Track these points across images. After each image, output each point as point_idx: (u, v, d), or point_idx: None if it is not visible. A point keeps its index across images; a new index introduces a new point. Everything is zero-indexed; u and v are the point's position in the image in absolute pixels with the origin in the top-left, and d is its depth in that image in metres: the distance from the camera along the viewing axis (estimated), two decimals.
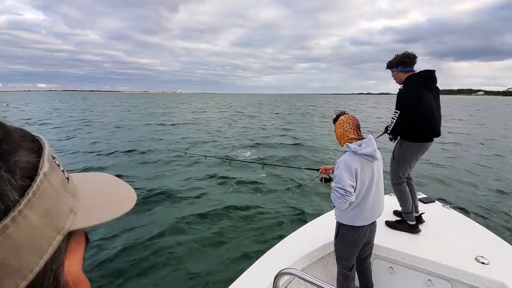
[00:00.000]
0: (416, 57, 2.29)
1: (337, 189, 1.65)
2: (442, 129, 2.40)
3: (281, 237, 2.25)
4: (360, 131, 1.80)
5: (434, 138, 2.40)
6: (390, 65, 2.38)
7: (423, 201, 2.87)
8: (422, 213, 2.49)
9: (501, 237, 2.30)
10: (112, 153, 8.94)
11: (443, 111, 2.46)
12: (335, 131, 1.87)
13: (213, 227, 4.07)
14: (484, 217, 4.62)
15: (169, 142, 11.13)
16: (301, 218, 4.22)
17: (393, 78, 2.43)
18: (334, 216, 1.87)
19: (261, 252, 2.03)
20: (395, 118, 2.29)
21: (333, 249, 2.00)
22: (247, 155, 9.11)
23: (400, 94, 2.30)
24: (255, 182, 6.05)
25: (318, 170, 2.09)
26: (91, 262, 3.23)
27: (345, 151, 1.72)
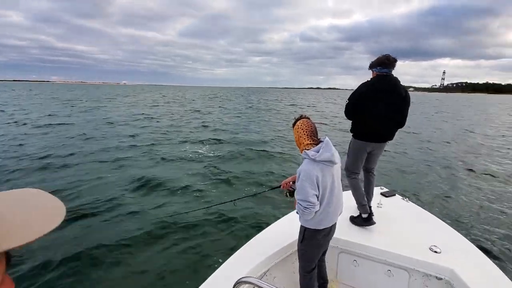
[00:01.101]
0: (396, 60, 2.38)
1: (301, 201, 1.66)
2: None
3: (241, 243, 2.24)
4: (316, 135, 1.78)
5: (388, 141, 2.55)
6: (371, 65, 2.47)
7: (385, 194, 3.01)
8: (374, 206, 2.62)
9: (453, 227, 2.48)
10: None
11: None
12: (294, 136, 1.86)
13: (163, 241, 3.79)
14: (439, 208, 4.96)
15: (108, 140, 10.06)
16: (261, 223, 4.11)
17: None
18: (299, 221, 1.87)
19: (221, 261, 2.00)
20: (346, 102, 2.49)
21: (295, 249, 2.05)
22: (202, 152, 8.89)
23: (358, 87, 2.45)
24: (204, 190, 5.72)
25: (279, 186, 2.08)
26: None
27: (304, 158, 1.71)
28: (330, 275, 2.30)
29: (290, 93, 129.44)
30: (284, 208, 4.45)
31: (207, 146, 9.80)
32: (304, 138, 1.76)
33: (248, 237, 2.29)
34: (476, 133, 14.62)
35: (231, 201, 2.66)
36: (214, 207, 4.10)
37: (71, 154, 7.98)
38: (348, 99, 2.47)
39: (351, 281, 2.34)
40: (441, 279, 1.95)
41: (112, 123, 14.65)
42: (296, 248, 2.02)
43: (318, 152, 1.66)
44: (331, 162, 1.68)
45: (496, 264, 1.98)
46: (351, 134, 2.59)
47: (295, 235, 2.02)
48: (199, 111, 23.46)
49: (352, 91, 2.50)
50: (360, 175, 2.63)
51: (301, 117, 1.84)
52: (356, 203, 2.53)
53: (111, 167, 6.97)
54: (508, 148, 10.72)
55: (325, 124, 16.64)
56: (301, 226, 1.86)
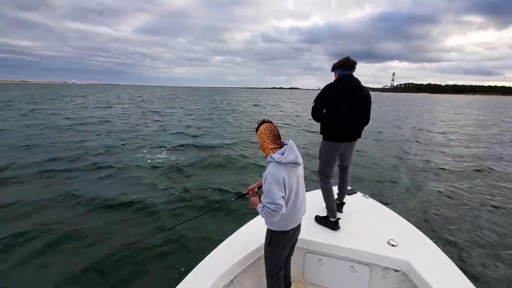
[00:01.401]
0: (356, 63, 2.46)
1: (268, 204, 1.67)
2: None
3: (208, 250, 2.15)
4: (279, 139, 1.81)
5: (357, 140, 2.65)
6: (333, 68, 2.53)
7: (347, 192, 3.05)
8: (342, 202, 2.76)
9: (408, 221, 2.62)
10: None
11: None
12: (258, 140, 1.87)
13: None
14: (396, 203, 5.24)
15: (49, 149, 8.77)
16: (227, 233, 3.88)
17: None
18: (266, 225, 1.88)
19: (187, 272, 1.91)
20: (312, 105, 2.57)
21: (261, 253, 2.09)
22: (161, 157, 8.21)
23: (322, 89, 2.53)
24: (162, 205, 5.18)
25: (246, 194, 2.04)
26: None
27: (270, 162, 1.74)
28: (297, 275, 2.42)
29: (254, 93, 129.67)
30: (252, 215, 4.27)
31: (166, 152, 9.04)
32: (268, 143, 1.78)
33: (215, 247, 2.21)
34: (428, 130, 15.72)
35: (197, 216, 2.58)
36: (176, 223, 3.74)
37: (2, 169, 6.66)
38: (314, 101, 2.54)
39: (317, 280, 2.40)
40: (398, 271, 2.06)
41: (56, 128, 12.98)
42: (262, 252, 2.07)
43: (283, 155, 1.70)
44: (296, 164, 1.73)
45: (446, 253, 2.12)
46: (321, 136, 2.63)
47: (261, 239, 2.05)
48: (158, 112, 22.11)
49: (317, 93, 2.56)
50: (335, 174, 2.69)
51: (263, 122, 1.85)
52: (326, 207, 2.58)
53: (49, 182, 5.93)
54: (460, 143, 11.58)
55: (288, 124, 16.63)
56: (268, 230, 1.88)
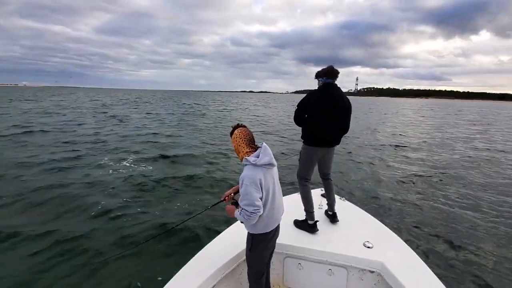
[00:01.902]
0: (339, 72, 2.56)
1: (246, 207, 1.68)
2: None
3: (185, 261, 2.10)
4: (253, 143, 1.85)
5: (335, 146, 2.70)
6: (317, 75, 2.59)
7: (324, 195, 3.08)
8: (335, 213, 2.74)
9: (383, 223, 2.72)
10: None
11: None
12: (232, 145, 1.88)
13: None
14: (371, 206, 5.32)
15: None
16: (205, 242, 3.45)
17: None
18: (246, 229, 1.88)
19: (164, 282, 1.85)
20: (295, 109, 2.60)
21: (241, 259, 2.15)
22: (127, 167, 7.52)
23: (306, 95, 2.59)
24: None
25: (222, 200, 2.05)
26: None
27: (245, 165, 1.77)
28: (276, 280, 2.42)
29: (224, 96, 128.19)
30: (228, 223, 4.00)
31: (127, 163, 7.99)
32: (243, 147, 1.82)
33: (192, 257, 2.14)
34: (391, 133, 16.19)
35: (172, 228, 2.47)
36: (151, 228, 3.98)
37: None
38: (297, 106, 2.58)
39: (296, 284, 2.41)
40: (373, 272, 2.12)
41: None
42: (242, 259, 2.13)
43: (258, 157, 1.75)
44: (271, 165, 1.79)
45: (417, 253, 2.21)
46: (302, 140, 2.68)
47: (239, 246, 2.12)
48: (115, 117, 20.32)
49: (301, 99, 2.59)
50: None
51: (237, 126, 1.87)
52: (305, 209, 2.61)
53: None
54: (429, 147, 11.89)
55: (264, 131, 16.12)
56: (249, 234, 1.89)
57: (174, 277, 1.91)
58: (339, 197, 3.23)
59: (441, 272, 3.30)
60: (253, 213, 1.68)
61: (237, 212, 1.78)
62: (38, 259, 3.42)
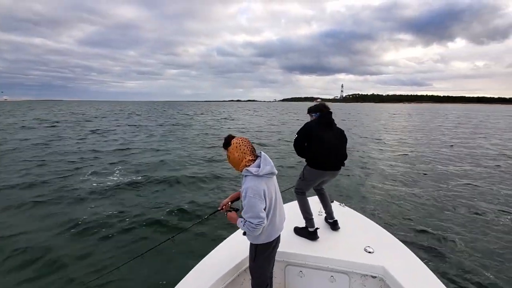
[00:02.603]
0: (330, 108, 2.69)
1: (251, 219, 1.66)
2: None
3: (183, 273, 2.04)
4: (255, 151, 1.81)
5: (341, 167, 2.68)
6: (310, 111, 2.73)
7: None
8: (335, 220, 2.72)
9: (383, 228, 2.68)
10: None
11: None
12: (228, 156, 1.80)
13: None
14: (371, 211, 5.28)
15: None
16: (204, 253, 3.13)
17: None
18: (248, 240, 1.86)
19: None
20: (295, 137, 2.65)
21: (241, 269, 2.15)
22: (114, 178, 7.27)
23: (305, 124, 2.63)
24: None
25: (219, 210, 2.01)
26: None
27: (246, 176, 1.72)
28: None
29: (212, 106, 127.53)
30: (227, 231, 4.03)
31: (117, 175, 7.35)
32: (248, 154, 1.76)
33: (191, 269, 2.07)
34: (385, 139, 15.97)
35: (168, 239, 2.38)
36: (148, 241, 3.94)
37: None
38: (297, 133, 2.64)
39: None
40: (375, 277, 2.10)
41: None
42: (243, 268, 2.16)
43: (259, 167, 1.71)
44: (272, 174, 1.75)
45: (419, 257, 2.20)
46: (306, 163, 2.66)
47: (239, 255, 2.15)
48: (96, 131, 19.07)
49: (301, 129, 2.63)
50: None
51: (230, 137, 1.82)
52: (304, 217, 2.61)
53: None
54: (423, 150, 11.62)
55: (261, 143, 15.50)
56: (251, 244, 1.86)
57: (175, 287, 1.88)
58: (338, 203, 3.24)
59: (443, 275, 3.30)
60: (258, 224, 1.66)
61: (240, 222, 1.75)
62: (22, 276, 3.36)
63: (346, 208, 3.16)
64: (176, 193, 6.34)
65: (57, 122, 26.18)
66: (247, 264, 1.96)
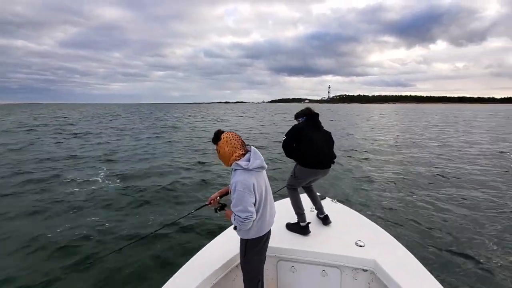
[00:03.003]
0: (315, 112, 2.76)
1: (240, 213, 1.65)
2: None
3: (175, 269, 2.02)
4: (245, 145, 1.81)
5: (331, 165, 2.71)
6: (297, 116, 2.79)
7: None
8: (326, 215, 2.75)
9: (374, 222, 2.73)
10: None
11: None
12: (218, 150, 1.79)
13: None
14: (362, 207, 5.37)
15: None
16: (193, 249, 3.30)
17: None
18: (239, 235, 1.85)
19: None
20: (283, 138, 2.67)
21: (232, 265, 2.14)
22: (101, 178, 7.31)
23: (294, 126, 2.68)
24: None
25: (207, 204, 2.00)
26: None
27: (235, 170, 1.72)
28: (271, 284, 2.38)
29: (200, 108, 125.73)
30: (218, 228, 4.15)
31: (99, 178, 7.00)
32: (239, 148, 1.76)
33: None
34: (375, 139, 15.96)
35: (155, 231, 2.57)
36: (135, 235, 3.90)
37: None
38: (285, 135, 2.66)
39: (290, 287, 2.36)
40: (366, 270, 2.12)
41: None
42: (234, 264, 2.15)
43: (249, 161, 1.70)
44: (262, 168, 1.75)
45: (410, 251, 2.21)
46: (298, 163, 2.68)
47: (230, 253, 2.14)
48: (77, 135, 18.14)
49: (290, 131, 2.66)
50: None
51: (220, 131, 1.80)
52: (295, 213, 2.63)
53: None
54: (410, 148, 11.62)
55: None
56: (242, 240, 1.84)
57: (166, 283, 1.87)
58: (330, 199, 3.28)
59: (433, 267, 3.34)
60: (246, 219, 1.65)
61: (231, 217, 1.73)
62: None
63: (339, 204, 3.19)
64: (161, 200, 6.04)
65: (37, 126, 24.94)
66: (239, 260, 1.96)
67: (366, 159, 10.25)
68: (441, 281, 1.88)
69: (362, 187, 6.75)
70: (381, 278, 1.99)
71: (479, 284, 3.17)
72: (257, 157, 1.72)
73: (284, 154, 2.70)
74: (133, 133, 19.31)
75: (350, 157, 10.52)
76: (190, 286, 1.85)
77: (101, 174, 7.99)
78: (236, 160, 1.73)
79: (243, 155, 1.75)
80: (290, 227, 2.62)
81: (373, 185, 6.92)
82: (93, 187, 6.73)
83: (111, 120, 33.38)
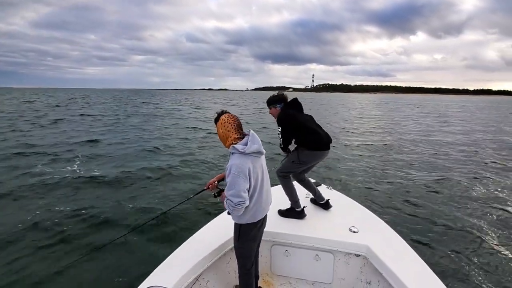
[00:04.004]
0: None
1: (232, 197, 1.62)
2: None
3: (172, 249, 2.05)
4: (241, 129, 1.77)
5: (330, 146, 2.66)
6: (272, 102, 2.64)
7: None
8: (327, 200, 2.77)
9: (368, 209, 2.76)
10: None
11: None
12: (217, 131, 1.78)
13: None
14: (358, 194, 5.40)
15: None
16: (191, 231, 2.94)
17: (270, 113, 2.69)
18: (233, 220, 1.83)
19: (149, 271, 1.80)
20: (280, 134, 2.56)
21: (227, 248, 2.18)
22: (74, 171, 6.73)
23: (280, 116, 2.55)
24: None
25: (205, 189, 2.00)
26: None
27: (232, 153, 1.69)
28: (264, 268, 2.42)
29: (183, 94, 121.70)
30: (214, 212, 4.21)
31: (69, 172, 6.01)
32: (232, 132, 1.72)
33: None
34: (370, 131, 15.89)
35: (156, 217, 2.90)
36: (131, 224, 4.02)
37: None
38: (281, 126, 2.54)
39: (284, 271, 2.42)
40: (359, 255, 2.16)
41: None
42: (228, 247, 2.18)
43: (246, 145, 1.67)
44: (259, 153, 1.71)
45: (402, 237, 2.24)
46: (300, 147, 2.60)
47: (226, 235, 2.15)
48: (50, 122, 16.67)
49: (280, 122, 2.55)
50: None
51: (223, 112, 1.78)
52: (290, 200, 2.63)
53: None
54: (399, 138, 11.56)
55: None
56: (236, 224, 1.84)
57: (160, 265, 1.87)
58: (325, 186, 3.30)
59: (425, 254, 3.36)
60: (238, 204, 1.61)
61: (224, 201, 1.70)
62: None
63: (333, 191, 3.22)
64: (151, 184, 6.02)
65: (1, 112, 22.81)
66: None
67: (358, 147, 10.28)
68: (431, 265, 1.91)
69: (355, 175, 6.80)
70: (374, 263, 2.03)
71: (467, 267, 3.26)
72: (255, 142, 1.68)
73: (277, 147, 2.64)
74: (108, 120, 18.05)
75: (346, 145, 10.52)
76: (185, 267, 1.86)
77: (74, 164, 7.36)
78: (233, 143, 1.69)
79: (240, 138, 1.71)
80: (284, 213, 2.62)
81: (368, 173, 7.04)
82: (66, 176, 6.31)
83: (80, 108, 31.32)
